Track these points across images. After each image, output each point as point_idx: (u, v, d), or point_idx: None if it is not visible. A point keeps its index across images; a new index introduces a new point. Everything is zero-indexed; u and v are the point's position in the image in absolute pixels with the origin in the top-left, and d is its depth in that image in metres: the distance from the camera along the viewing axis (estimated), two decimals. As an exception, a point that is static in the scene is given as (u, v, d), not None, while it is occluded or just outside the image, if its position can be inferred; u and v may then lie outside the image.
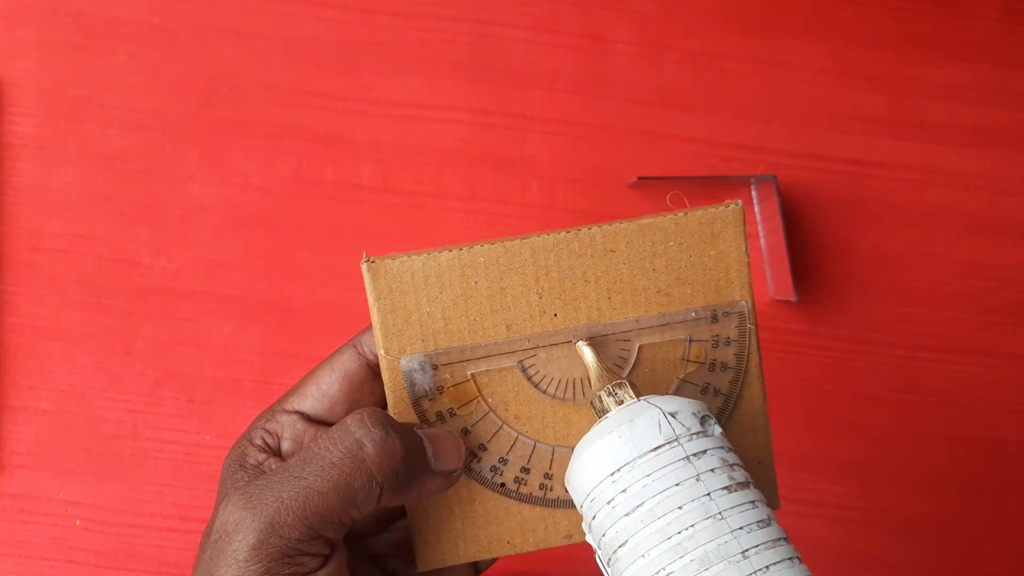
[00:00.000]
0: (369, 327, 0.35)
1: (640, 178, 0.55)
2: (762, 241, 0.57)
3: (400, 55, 0.57)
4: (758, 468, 0.35)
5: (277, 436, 0.34)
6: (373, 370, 0.35)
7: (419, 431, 0.33)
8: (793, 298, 0.54)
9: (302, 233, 0.56)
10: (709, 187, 0.57)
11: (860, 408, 0.57)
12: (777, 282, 0.56)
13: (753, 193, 0.57)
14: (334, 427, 0.32)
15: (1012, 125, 0.59)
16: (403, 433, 0.32)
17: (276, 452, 0.34)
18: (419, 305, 0.34)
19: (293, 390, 0.35)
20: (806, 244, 0.57)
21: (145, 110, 0.56)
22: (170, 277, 0.55)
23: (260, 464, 0.33)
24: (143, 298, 0.55)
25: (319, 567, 0.30)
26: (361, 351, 0.35)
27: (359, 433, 0.31)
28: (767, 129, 0.58)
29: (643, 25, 0.58)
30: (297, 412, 0.35)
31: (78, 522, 0.53)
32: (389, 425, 0.31)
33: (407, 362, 0.34)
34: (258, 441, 0.34)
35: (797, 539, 0.56)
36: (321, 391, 0.35)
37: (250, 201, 0.56)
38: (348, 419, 0.31)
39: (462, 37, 0.57)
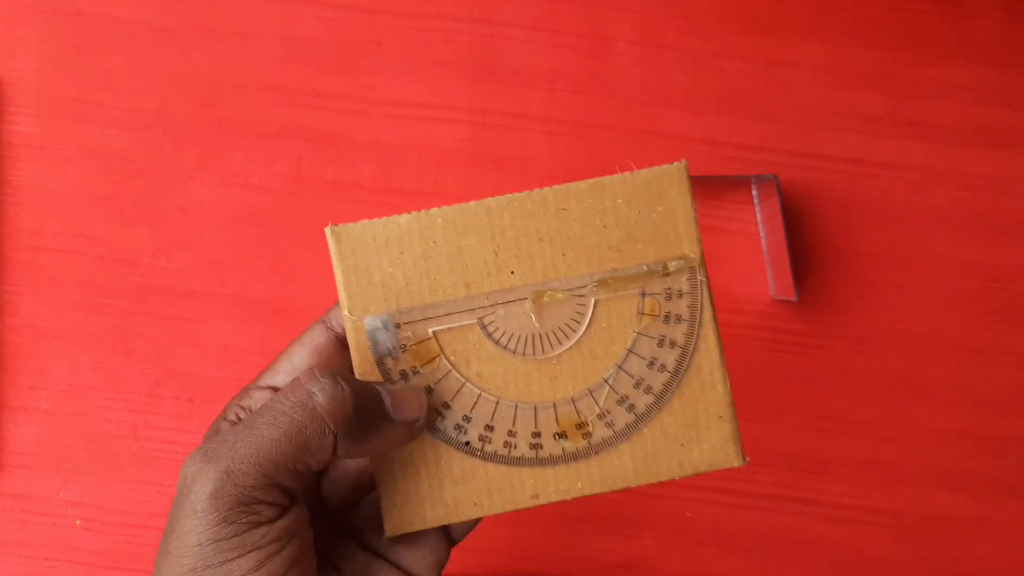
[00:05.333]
0: (338, 304, 0.36)
1: (640, 178, 0.55)
2: (763, 241, 0.57)
3: (400, 55, 0.57)
4: (719, 422, 0.36)
5: (250, 411, 0.35)
6: (342, 343, 0.36)
7: (378, 386, 0.33)
8: (794, 298, 0.54)
9: (302, 233, 0.56)
10: (709, 186, 0.57)
11: (860, 408, 0.57)
12: (778, 282, 0.56)
13: (754, 193, 0.57)
14: (288, 383, 0.32)
15: (1012, 125, 0.59)
16: (353, 382, 0.32)
17: None
18: (381, 266, 0.35)
19: (267, 368, 0.36)
20: (807, 244, 0.57)
21: (145, 110, 0.56)
22: (170, 277, 0.55)
23: None
24: (143, 298, 0.55)
25: (277, 517, 0.31)
26: (329, 325, 0.36)
27: (309, 384, 0.31)
28: (767, 129, 0.58)
29: (643, 25, 0.58)
30: (269, 387, 0.35)
31: (78, 522, 0.53)
32: (338, 375, 0.32)
33: (370, 321, 0.35)
34: (231, 417, 0.35)
35: (797, 539, 0.56)
36: (292, 365, 0.36)
37: (250, 201, 0.56)
38: (300, 375, 0.32)
39: (462, 37, 0.57)
